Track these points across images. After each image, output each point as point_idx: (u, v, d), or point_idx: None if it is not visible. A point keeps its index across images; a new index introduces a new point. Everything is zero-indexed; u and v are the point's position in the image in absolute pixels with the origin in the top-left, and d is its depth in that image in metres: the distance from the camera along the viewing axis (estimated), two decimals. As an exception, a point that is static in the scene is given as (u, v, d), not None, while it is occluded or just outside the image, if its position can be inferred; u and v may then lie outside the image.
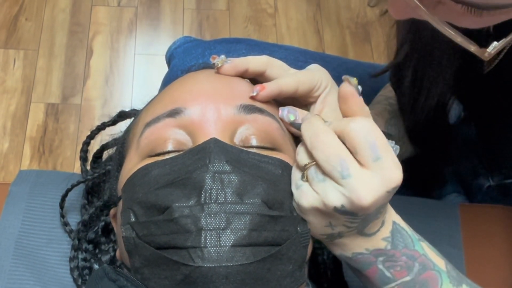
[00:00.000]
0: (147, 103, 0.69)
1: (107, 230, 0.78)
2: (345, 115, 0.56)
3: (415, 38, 0.77)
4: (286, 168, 0.59)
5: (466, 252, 0.88)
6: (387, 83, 0.91)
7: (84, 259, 0.76)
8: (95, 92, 1.76)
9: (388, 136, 0.54)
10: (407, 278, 0.59)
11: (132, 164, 0.62)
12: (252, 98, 0.63)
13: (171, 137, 0.60)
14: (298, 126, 0.61)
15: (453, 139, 0.93)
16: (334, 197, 0.53)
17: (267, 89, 0.63)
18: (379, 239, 0.59)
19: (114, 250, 0.76)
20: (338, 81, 0.70)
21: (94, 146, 0.84)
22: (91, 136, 0.83)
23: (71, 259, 0.77)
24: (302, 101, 0.68)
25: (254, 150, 0.60)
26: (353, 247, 0.59)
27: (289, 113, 0.62)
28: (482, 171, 0.99)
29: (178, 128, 0.60)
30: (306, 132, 0.56)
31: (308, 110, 0.68)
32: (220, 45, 1.00)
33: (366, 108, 0.57)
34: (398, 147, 0.57)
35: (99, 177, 0.79)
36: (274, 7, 1.96)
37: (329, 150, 0.53)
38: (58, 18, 1.88)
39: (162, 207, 0.55)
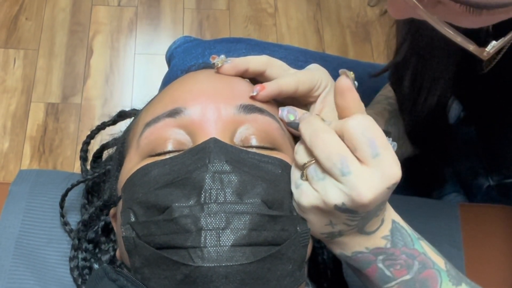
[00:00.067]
0: (147, 103, 0.69)
1: (107, 230, 0.78)
2: (340, 110, 0.56)
3: (415, 38, 0.77)
4: (286, 168, 0.59)
5: (466, 252, 0.88)
6: (387, 83, 0.91)
7: (84, 259, 0.76)
8: (95, 91, 1.76)
9: (386, 133, 0.55)
10: (407, 277, 0.60)
11: (132, 164, 0.62)
12: (252, 98, 0.63)
13: (171, 137, 0.60)
14: (295, 126, 0.61)
15: (452, 139, 0.93)
16: (334, 195, 0.53)
17: (267, 89, 0.63)
18: (379, 238, 0.59)
19: (114, 250, 0.76)
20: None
21: (94, 145, 0.84)
22: (91, 136, 0.83)
23: (71, 259, 0.77)
24: (302, 100, 0.68)
25: (254, 150, 0.60)
26: (353, 246, 0.59)
27: (288, 113, 0.62)
28: (482, 171, 0.99)
29: (178, 128, 0.60)
30: (305, 131, 0.56)
31: (308, 110, 0.68)
32: (220, 44, 1.00)
33: (362, 104, 0.57)
34: (395, 144, 0.57)
35: (99, 177, 0.79)
36: (274, 6, 1.96)
37: (329, 148, 0.53)
38: (58, 17, 1.88)
39: (162, 207, 0.55)
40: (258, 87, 0.63)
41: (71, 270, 0.76)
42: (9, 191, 0.85)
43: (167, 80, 0.97)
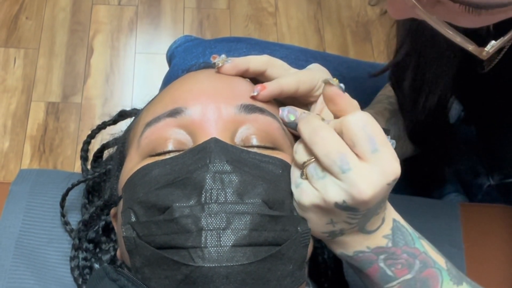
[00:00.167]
0: (148, 102, 0.69)
1: (108, 230, 0.78)
2: (335, 116, 0.56)
3: (415, 37, 0.77)
4: (287, 168, 0.59)
5: (467, 252, 0.88)
6: (388, 83, 0.91)
7: (85, 259, 0.76)
8: (96, 91, 1.76)
9: (385, 131, 0.55)
10: (408, 276, 0.60)
11: (133, 164, 0.62)
12: (253, 97, 0.63)
13: (172, 137, 0.60)
14: (293, 126, 0.61)
15: (453, 138, 0.93)
16: (335, 192, 0.53)
17: (268, 89, 0.63)
18: (380, 237, 0.59)
19: (115, 250, 0.76)
20: (339, 80, 0.70)
21: (95, 145, 0.84)
22: (92, 136, 0.83)
23: (72, 259, 0.77)
24: (303, 100, 0.68)
25: (254, 149, 0.60)
26: (354, 245, 0.59)
27: (289, 113, 0.62)
28: (482, 170, 0.99)
29: (179, 128, 0.60)
30: (304, 130, 0.56)
31: (308, 109, 0.68)
32: (221, 44, 1.00)
33: (355, 102, 0.57)
34: (394, 142, 0.57)
35: (99, 177, 0.79)
36: (275, 6, 1.96)
37: (328, 145, 0.53)
38: (59, 17, 1.88)
39: (163, 207, 0.55)
40: (258, 87, 0.63)
41: (72, 270, 0.76)
42: (9, 191, 0.85)
43: (168, 80, 0.97)
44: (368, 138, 0.53)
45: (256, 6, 1.95)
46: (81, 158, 0.83)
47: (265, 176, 0.57)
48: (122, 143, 0.70)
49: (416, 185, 0.97)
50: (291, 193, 0.58)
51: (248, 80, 0.67)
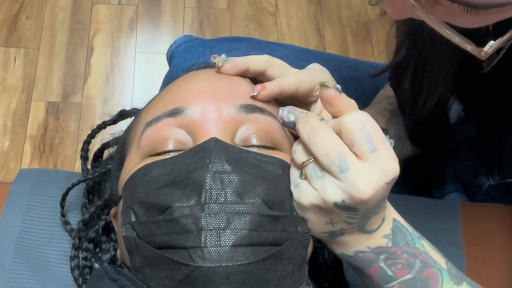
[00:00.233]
0: (148, 102, 0.69)
1: (108, 229, 0.78)
2: (334, 117, 0.56)
3: (415, 38, 0.77)
4: (287, 168, 0.59)
5: (467, 251, 0.88)
6: (388, 83, 0.91)
7: (85, 258, 0.76)
8: (96, 90, 1.76)
9: (383, 130, 0.55)
10: (409, 276, 0.59)
11: (133, 164, 0.62)
12: (253, 97, 0.63)
13: (172, 137, 0.60)
14: (292, 126, 0.61)
15: (453, 138, 0.93)
16: (334, 192, 0.53)
17: (268, 89, 0.63)
18: (380, 236, 0.59)
19: (115, 249, 0.76)
20: (339, 80, 0.70)
21: (95, 144, 0.84)
22: (92, 135, 0.83)
23: (72, 258, 0.77)
24: (303, 100, 0.68)
25: (255, 149, 0.60)
26: (355, 245, 0.59)
27: (289, 113, 0.62)
28: (482, 170, 0.99)
29: (179, 128, 0.60)
30: (303, 130, 0.56)
31: (308, 109, 0.68)
32: (221, 43, 1.00)
33: (352, 101, 0.57)
34: (393, 141, 0.57)
35: (99, 176, 0.79)
36: (275, 5, 1.96)
37: (327, 145, 0.53)
38: (59, 16, 1.88)
39: (163, 207, 0.55)
40: (259, 86, 0.63)
41: (72, 269, 0.76)
42: (9, 190, 0.85)
43: (168, 79, 0.97)
44: (367, 137, 0.53)
45: (256, 5, 1.95)
46: (81, 158, 0.83)
47: (265, 176, 0.57)
48: (122, 143, 0.70)
49: (416, 185, 0.97)
50: (291, 193, 0.58)
51: (248, 80, 0.67)
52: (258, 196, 0.55)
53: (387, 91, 0.91)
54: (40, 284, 0.78)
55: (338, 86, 0.57)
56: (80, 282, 0.75)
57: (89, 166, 0.83)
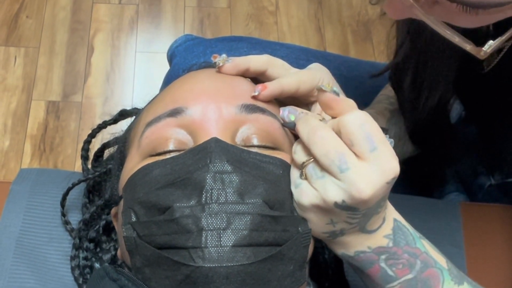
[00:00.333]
0: (148, 102, 0.69)
1: (108, 229, 0.78)
2: (334, 118, 0.56)
3: (415, 38, 0.77)
4: (287, 168, 0.59)
5: (467, 251, 0.88)
6: (388, 83, 0.91)
7: (85, 258, 0.76)
8: (96, 90, 1.76)
9: (383, 130, 0.55)
10: (410, 276, 0.59)
11: (133, 164, 0.61)
12: (254, 97, 0.63)
13: (172, 137, 0.60)
14: (291, 126, 0.61)
15: (454, 138, 0.93)
16: (334, 192, 0.53)
17: (269, 89, 0.63)
18: (381, 236, 0.59)
19: (115, 249, 0.76)
20: (339, 80, 0.70)
21: (95, 144, 0.84)
22: (92, 135, 0.83)
23: (72, 258, 0.77)
24: (303, 100, 0.68)
25: (255, 149, 0.60)
26: (355, 245, 0.59)
27: (289, 113, 0.62)
28: (483, 170, 0.99)
29: (179, 128, 0.60)
30: (303, 130, 0.56)
31: (309, 109, 0.68)
32: (222, 43, 1.00)
33: (351, 101, 0.57)
34: (392, 141, 0.57)
35: (100, 176, 0.79)
36: (275, 5, 1.96)
37: (327, 145, 0.53)
38: (59, 15, 1.88)
39: (163, 207, 0.55)
40: (259, 86, 0.63)
41: (72, 269, 0.76)
42: (9, 190, 0.85)
43: (169, 79, 0.97)
44: (366, 136, 0.53)
45: (256, 5, 1.95)
46: (81, 157, 0.83)
47: (266, 176, 0.57)
48: (122, 143, 0.70)
49: (416, 185, 0.97)
50: (292, 194, 0.58)
51: (249, 79, 0.67)
52: (259, 196, 0.55)
53: (388, 91, 0.91)
54: (40, 284, 0.78)
55: (335, 88, 0.57)
56: (80, 282, 0.75)
57: (89, 166, 0.83)
